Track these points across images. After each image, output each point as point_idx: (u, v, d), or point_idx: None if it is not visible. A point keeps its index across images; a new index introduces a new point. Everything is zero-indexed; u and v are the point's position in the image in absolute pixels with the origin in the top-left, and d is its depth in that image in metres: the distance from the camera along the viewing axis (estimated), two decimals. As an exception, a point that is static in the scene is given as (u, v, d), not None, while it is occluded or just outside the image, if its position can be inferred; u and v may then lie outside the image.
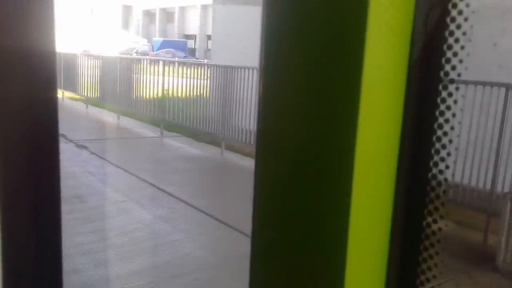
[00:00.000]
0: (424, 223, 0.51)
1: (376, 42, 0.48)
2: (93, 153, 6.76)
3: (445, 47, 0.51)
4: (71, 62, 11.85)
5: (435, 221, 0.51)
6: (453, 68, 0.51)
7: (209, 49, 22.32)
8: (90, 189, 5.29)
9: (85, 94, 11.43)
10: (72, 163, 6.03)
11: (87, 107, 11.22)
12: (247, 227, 0.58)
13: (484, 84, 4.43)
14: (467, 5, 0.51)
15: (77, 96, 11.76)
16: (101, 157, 6.61)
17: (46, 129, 0.59)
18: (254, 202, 0.57)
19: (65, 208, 0.65)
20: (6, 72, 0.53)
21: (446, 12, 0.51)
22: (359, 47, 0.48)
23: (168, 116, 8.64)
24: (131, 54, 23.10)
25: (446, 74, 0.51)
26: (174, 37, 37.08)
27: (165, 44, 32.68)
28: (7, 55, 0.53)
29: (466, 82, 4.19)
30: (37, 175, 0.59)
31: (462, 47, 0.51)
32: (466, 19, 0.51)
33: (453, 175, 4.30)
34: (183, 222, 4.46)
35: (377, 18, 0.47)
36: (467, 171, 4.54)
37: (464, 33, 0.51)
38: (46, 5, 0.55)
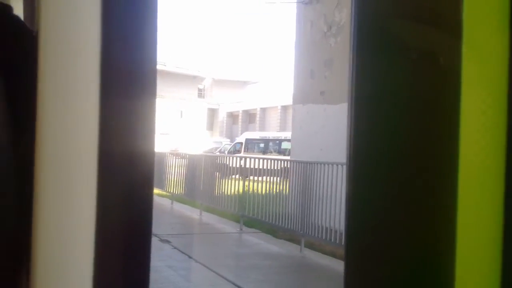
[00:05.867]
0: None
1: (471, 138, 0.47)
2: (175, 248, 6.91)
3: None
4: (160, 161, 12.70)
5: None
6: None
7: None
8: (170, 284, 5.32)
9: (171, 191, 12.02)
10: (155, 257, 6.17)
11: (172, 203, 11.72)
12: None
13: None
14: None
15: (164, 193, 12.38)
16: (182, 252, 6.72)
17: (140, 225, 0.63)
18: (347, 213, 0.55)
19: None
20: (112, 171, 0.59)
21: None
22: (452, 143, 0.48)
23: (248, 212, 8.72)
24: (214, 153, 23.06)
25: None
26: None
27: (247, 143, 34.10)
28: (114, 154, 0.59)
29: None
30: (127, 270, 0.62)
31: None
32: None
33: None
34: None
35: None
36: None
37: None
38: (149, 114, 0.63)
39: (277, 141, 24.25)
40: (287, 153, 20.68)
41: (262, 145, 24.64)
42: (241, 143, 25.47)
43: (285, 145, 23.07)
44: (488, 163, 0.47)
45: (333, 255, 6.63)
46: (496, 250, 0.46)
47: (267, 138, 25.30)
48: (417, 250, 0.50)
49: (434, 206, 0.49)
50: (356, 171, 0.56)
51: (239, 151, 24.14)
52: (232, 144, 27.27)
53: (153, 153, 0.64)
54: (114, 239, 0.60)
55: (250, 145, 24.89)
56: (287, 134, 24.35)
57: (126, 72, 0.61)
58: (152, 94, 0.63)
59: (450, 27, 0.49)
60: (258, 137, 25.92)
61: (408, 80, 0.53)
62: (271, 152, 23.09)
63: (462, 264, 0.46)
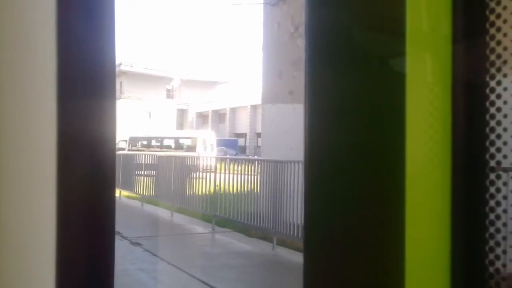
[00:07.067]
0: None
1: (417, 137, 0.52)
2: (146, 250, 6.84)
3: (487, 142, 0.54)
4: (129, 162, 12.51)
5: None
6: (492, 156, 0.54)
7: (259, 146, 22.83)
8: (142, 287, 5.27)
9: (141, 193, 11.87)
10: (126, 260, 6.10)
11: (142, 205, 11.57)
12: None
13: None
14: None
15: (134, 195, 12.21)
16: (153, 254, 6.66)
17: (103, 227, 0.63)
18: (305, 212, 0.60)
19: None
20: (71, 171, 0.59)
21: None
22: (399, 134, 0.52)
23: (220, 212, 8.72)
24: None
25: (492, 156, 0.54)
26: (226, 136, 38.60)
27: (217, 143, 34.03)
28: (74, 156, 0.59)
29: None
30: (91, 274, 0.62)
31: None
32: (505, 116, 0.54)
33: None
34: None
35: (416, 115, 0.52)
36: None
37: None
38: (109, 115, 0.63)
39: (159, 139, 27.21)
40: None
41: (145, 142, 27.07)
42: (126, 141, 27.76)
43: (167, 142, 26.61)
44: (433, 160, 0.52)
45: (305, 251, 6.70)
46: (443, 247, 0.52)
47: (150, 136, 27.88)
48: (368, 245, 0.55)
49: (383, 203, 0.54)
50: (311, 170, 0.61)
51: (123, 149, 25.95)
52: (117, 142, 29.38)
53: (114, 154, 0.65)
54: (77, 242, 0.60)
55: (133, 142, 27.18)
56: (169, 133, 29.13)
57: (85, 75, 0.61)
58: (112, 95, 0.63)
59: (395, 31, 0.54)
60: (142, 136, 28.28)
61: (357, 84, 0.58)
62: (153, 148, 25.34)
63: (410, 254, 0.51)
